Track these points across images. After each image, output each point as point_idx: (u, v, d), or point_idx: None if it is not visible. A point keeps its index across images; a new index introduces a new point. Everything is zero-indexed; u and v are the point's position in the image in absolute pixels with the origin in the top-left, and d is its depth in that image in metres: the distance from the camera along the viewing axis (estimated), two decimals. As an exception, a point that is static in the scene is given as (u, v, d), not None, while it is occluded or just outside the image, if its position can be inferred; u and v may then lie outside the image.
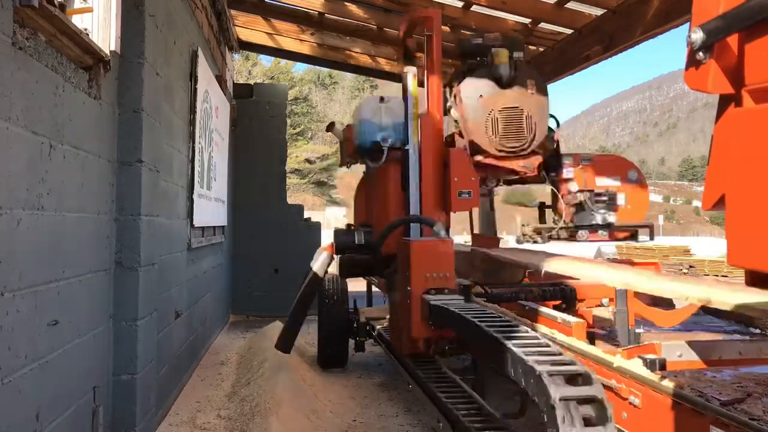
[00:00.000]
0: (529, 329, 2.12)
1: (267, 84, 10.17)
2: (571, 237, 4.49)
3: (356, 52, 8.33)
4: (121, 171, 2.89)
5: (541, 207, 4.80)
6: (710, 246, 29.23)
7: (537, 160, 4.14)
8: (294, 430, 3.29)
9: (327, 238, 12.94)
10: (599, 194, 4.41)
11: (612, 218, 4.36)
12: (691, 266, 15.85)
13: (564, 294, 4.03)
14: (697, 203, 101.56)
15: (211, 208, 5.60)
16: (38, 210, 2.03)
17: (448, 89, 4.36)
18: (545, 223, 4.62)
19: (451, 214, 3.81)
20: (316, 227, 8.49)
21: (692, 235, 57.42)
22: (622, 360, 2.19)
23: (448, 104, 4.32)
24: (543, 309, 3.57)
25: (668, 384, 1.88)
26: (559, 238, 4.48)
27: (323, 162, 57.35)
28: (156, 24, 3.18)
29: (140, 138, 2.93)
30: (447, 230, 3.62)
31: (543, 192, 4.95)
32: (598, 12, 5.87)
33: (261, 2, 6.96)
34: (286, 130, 8.92)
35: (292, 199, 9.54)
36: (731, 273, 15.91)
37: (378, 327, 4.84)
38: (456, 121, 4.29)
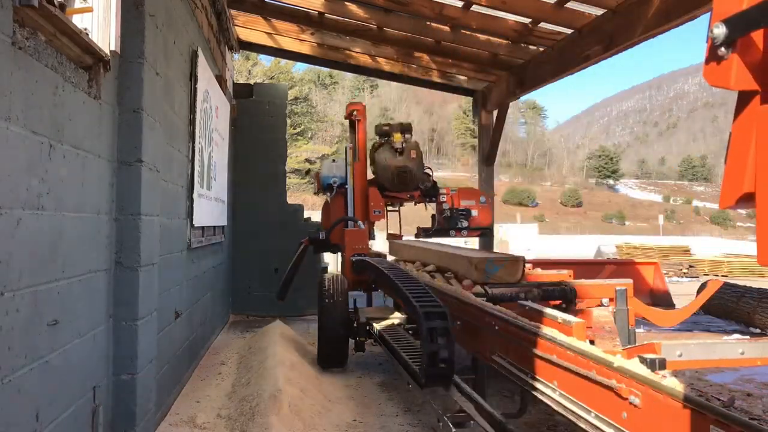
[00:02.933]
0: (414, 274, 3.22)
1: (267, 84, 10.17)
2: (444, 234, 7.23)
3: (356, 52, 8.33)
4: (121, 171, 2.89)
5: (433, 218, 7.40)
6: (710, 246, 29.25)
7: (417, 192, 6.98)
8: (294, 430, 3.28)
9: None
10: (461, 211, 7.16)
11: (465, 224, 7.15)
12: (690, 266, 15.84)
13: (564, 294, 4.03)
14: (697, 203, 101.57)
15: (211, 208, 5.60)
16: (38, 210, 2.03)
17: (372, 152, 6.92)
18: (433, 226, 7.27)
19: (375, 223, 6.76)
20: (316, 227, 8.48)
21: (692, 235, 57.41)
22: (623, 360, 2.18)
23: (371, 160, 6.92)
24: (543, 309, 3.57)
25: (668, 384, 1.88)
26: (438, 235, 7.26)
27: (323, 161, 57.34)
28: (156, 24, 3.18)
29: (140, 138, 2.93)
30: (370, 228, 6.50)
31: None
32: (598, 12, 5.87)
33: (261, 2, 6.95)
34: (286, 130, 8.92)
35: (292, 199, 9.53)
36: (731, 273, 15.91)
37: (377, 327, 4.83)
38: (374, 171, 6.93)
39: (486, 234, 7.51)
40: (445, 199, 7.20)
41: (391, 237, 7.52)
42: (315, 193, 7.48)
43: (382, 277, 4.42)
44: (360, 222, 6.23)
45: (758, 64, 0.97)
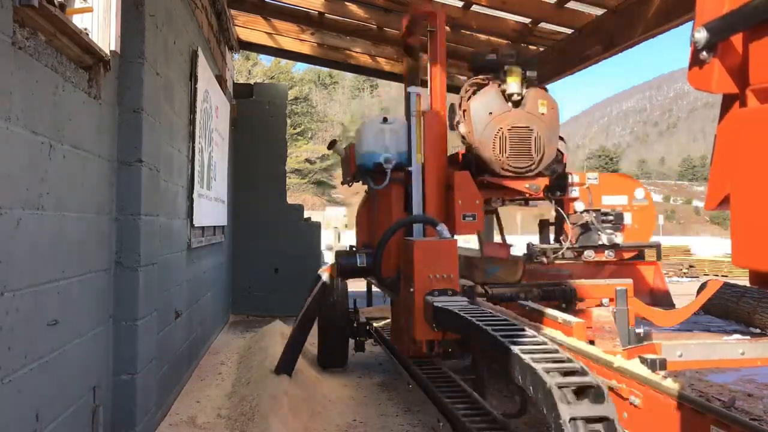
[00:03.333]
0: (536, 333, 2.03)
1: (267, 84, 10.18)
2: (577, 257, 4.43)
3: (356, 52, 8.33)
4: (121, 171, 2.88)
5: (543, 225, 4.72)
6: (710, 246, 29.26)
7: (543, 181, 4.02)
8: (294, 430, 3.28)
9: (327, 237, 12.83)
10: (605, 214, 4.40)
11: (618, 239, 4.33)
12: (691, 266, 15.85)
13: (564, 294, 4.03)
14: (697, 203, 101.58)
15: (211, 208, 5.60)
16: (38, 210, 2.02)
17: (456, 104, 4.19)
18: (547, 242, 4.55)
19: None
20: (316, 227, 8.49)
21: (692, 235, 57.45)
22: (623, 360, 2.18)
23: (456, 119, 4.16)
24: (543, 309, 3.57)
25: (669, 384, 1.88)
26: (563, 258, 4.37)
27: (323, 162, 57.37)
28: (156, 24, 3.18)
29: (140, 138, 2.93)
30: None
31: (543, 209, 4.84)
32: (598, 12, 5.87)
33: (261, 2, 6.95)
34: (286, 130, 8.92)
35: (292, 199, 9.54)
36: (731, 273, 15.92)
37: (377, 326, 4.84)
38: (463, 137, 4.11)
39: (642, 254, 4.70)
40: (576, 194, 4.40)
41: (490, 249, 4.85)
42: (345, 183, 4.66)
43: (503, 354, 2.01)
44: (443, 227, 3.37)
45: (737, 67, 0.98)
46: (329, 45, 8.09)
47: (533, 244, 4.41)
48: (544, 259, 4.29)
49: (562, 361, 1.73)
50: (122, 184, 2.88)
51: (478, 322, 2.28)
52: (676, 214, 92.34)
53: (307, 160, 56.94)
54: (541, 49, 7.09)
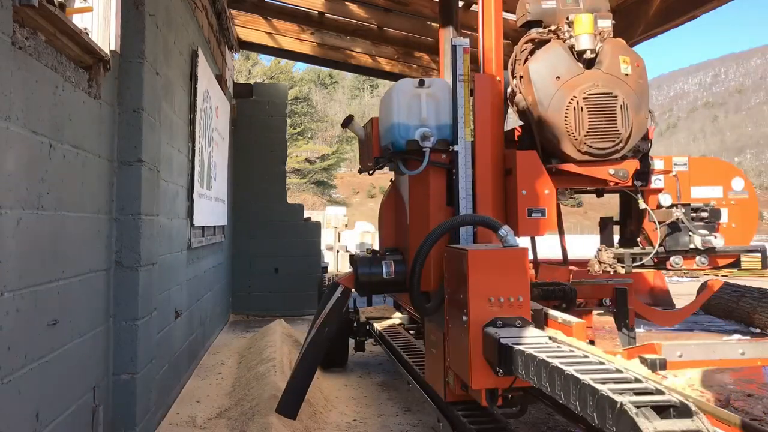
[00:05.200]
0: (658, 386, 1.61)
1: (267, 84, 10.18)
2: (660, 264, 3.67)
3: (356, 52, 8.33)
4: (121, 171, 2.88)
5: (606, 223, 3.88)
6: (710, 246, 29.21)
7: (633, 165, 3.08)
8: (294, 430, 3.28)
9: (327, 237, 12.76)
10: (697, 209, 3.61)
11: (719, 242, 3.52)
12: (691, 266, 15.84)
13: (564, 294, 4.02)
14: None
15: (211, 208, 5.60)
16: (38, 210, 2.02)
17: (509, 70, 3.32)
18: (615, 244, 3.68)
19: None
20: (316, 227, 8.49)
21: (692, 235, 57.27)
22: (623, 360, 2.18)
23: (510, 89, 3.28)
24: (542, 309, 3.56)
25: (669, 384, 1.87)
26: (643, 266, 3.60)
27: (323, 162, 57.35)
28: (156, 23, 3.18)
29: (140, 138, 2.93)
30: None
31: (608, 202, 3.92)
32: (598, 12, 5.86)
33: (261, 2, 6.96)
34: (286, 129, 8.92)
35: (292, 199, 9.54)
36: (731, 273, 15.90)
37: (380, 329, 4.83)
38: (522, 111, 3.20)
39: (739, 261, 4.02)
40: (662, 185, 3.59)
41: (545, 270, 3.84)
42: (363, 171, 3.77)
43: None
44: (508, 231, 2.58)
45: None
46: (329, 45, 8.09)
47: (605, 248, 3.63)
48: (619, 267, 3.54)
49: None
50: (122, 184, 2.88)
51: (574, 374, 1.73)
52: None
53: (307, 160, 56.94)
54: (541, 49, 7.07)
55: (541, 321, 2.75)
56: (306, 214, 8.64)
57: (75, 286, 2.36)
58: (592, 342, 3.25)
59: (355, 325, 4.97)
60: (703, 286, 6.70)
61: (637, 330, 3.80)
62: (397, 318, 4.93)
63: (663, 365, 2.09)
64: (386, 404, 4.12)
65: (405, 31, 7.25)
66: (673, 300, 8.40)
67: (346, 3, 6.67)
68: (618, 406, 1.47)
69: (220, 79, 6.28)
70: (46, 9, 1.93)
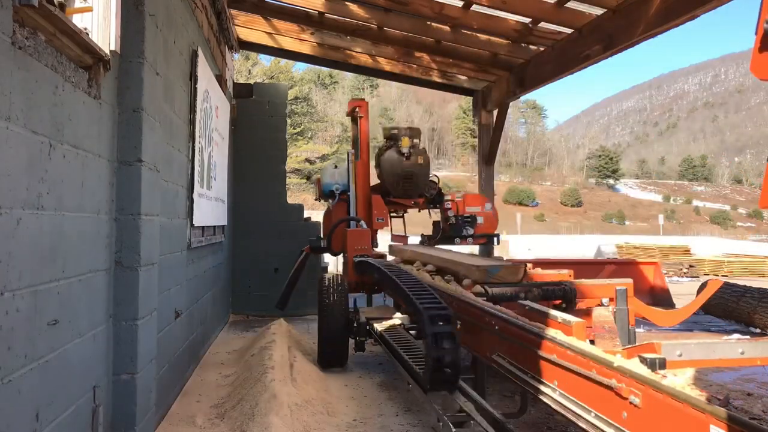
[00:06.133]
0: (415, 275, 3.60)
1: (267, 84, 10.16)
2: (449, 241, 7.14)
3: (356, 52, 8.33)
4: (121, 171, 2.88)
5: (434, 224, 7.44)
6: (710, 246, 29.25)
7: (421, 199, 7.10)
8: (294, 430, 3.28)
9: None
10: (467, 217, 7.11)
11: (471, 231, 7.09)
12: (691, 266, 15.84)
13: (564, 294, 4.03)
14: (696, 203, 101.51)
15: (211, 208, 5.60)
16: (38, 209, 2.02)
17: (378, 155, 6.95)
18: (437, 234, 7.27)
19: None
20: (316, 227, 8.49)
21: (692, 235, 57.42)
22: (623, 360, 2.18)
23: (376, 163, 6.85)
24: (543, 309, 3.56)
25: (668, 383, 1.88)
26: (442, 243, 7.14)
27: (323, 162, 57.35)
28: (156, 23, 3.18)
29: (140, 137, 2.93)
30: (373, 235, 6.49)
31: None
32: (598, 11, 5.87)
33: (261, 2, 6.95)
34: (286, 129, 8.92)
35: (292, 199, 9.54)
36: (731, 273, 15.91)
37: (380, 329, 4.82)
38: (379, 175, 6.95)
39: (491, 241, 7.49)
40: (450, 206, 7.10)
41: (395, 239, 7.38)
42: (316, 200, 7.53)
43: (385, 278, 4.37)
44: (362, 222, 6.13)
45: None
46: (329, 45, 8.09)
47: (423, 235, 7.43)
48: (426, 242, 7.27)
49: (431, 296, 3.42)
50: (122, 184, 2.88)
51: (379, 267, 4.70)
52: (676, 213, 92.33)
53: (307, 160, 56.92)
54: (542, 48, 7.09)
55: (382, 256, 5.81)
56: (306, 214, 8.64)
57: (75, 286, 2.36)
58: (592, 342, 3.25)
59: (355, 325, 4.98)
60: (703, 286, 6.71)
61: (637, 330, 3.81)
62: (397, 318, 4.93)
63: (663, 364, 2.09)
64: (386, 404, 4.12)
65: (405, 31, 7.25)
66: (673, 300, 8.41)
67: (346, 3, 6.67)
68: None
69: (220, 79, 6.28)
70: (46, 9, 1.93)
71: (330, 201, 6.80)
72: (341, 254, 6.30)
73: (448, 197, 7.18)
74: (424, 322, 3.07)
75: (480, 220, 7.13)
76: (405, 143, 6.63)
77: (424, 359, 3.27)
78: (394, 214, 7.24)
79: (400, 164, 6.64)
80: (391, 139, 6.76)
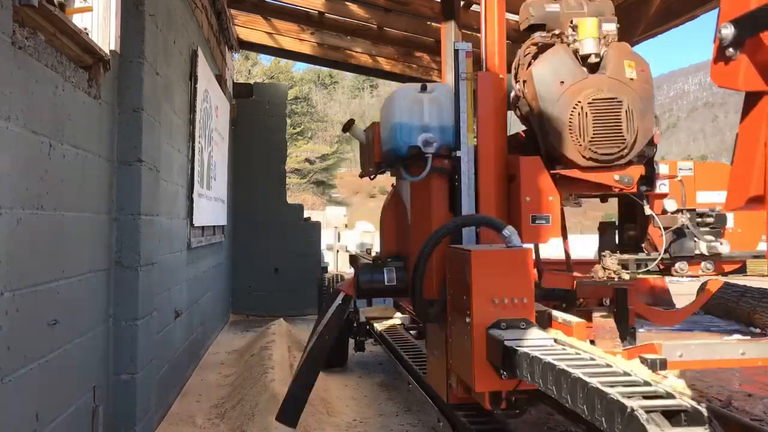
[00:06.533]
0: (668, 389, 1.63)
1: (267, 84, 10.17)
2: (665, 270, 3.60)
3: (357, 52, 8.33)
4: (121, 170, 2.88)
5: (605, 228, 3.78)
6: (710, 246, 29.19)
7: (638, 171, 3.05)
8: (294, 430, 3.28)
9: (327, 237, 12.73)
10: (702, 214, 3.58)
11: (724, 248, 3.45)
12: (691, 266, 15.83)
13: (564, 294, 4.02)
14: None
15: (211, 208, 5.60)
16: (38, 209, 2.02)
17: (512, 74, 3.26)
18: (620, 250, 3.56)
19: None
20: (316, 227, 8.49)
21: (692, 235, 57.24)
22: (623, 360, 2.18)
23: (513, 94, 3.21)
24: (543, 308, 3.55)
25: (669, 384, 1.87)
26: (648, 272, 3.56)
27: (323, 162, 57.38)
28: (156, 23, 3.18)
29: (140, 137, 2.92)
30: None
31: (608, 202, 3.74)
32: (598, 11, 5.85)
33: (261, 2, 6.95)
34: (286, 129, 8.93)
35: (292, 199, 9.54)
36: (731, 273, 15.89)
37: (380, 329, 4.82)
38: (525, 116, 3.17)
39: (745, 267, 3.90)
40: (667, 190, 3.54)
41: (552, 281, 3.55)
42: (365, 175, 3.74)
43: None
44: (512, 231, 2.57)
45: (766, 64, 0.96)
46: (329, 45, 8.09)
47: (609, 254, 3.45)
48: (623, 274, 3.41)
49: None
50: (122, 184, 2.87)
51: (584, 378, 1.68)
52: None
53: (307, 160, 56.93)
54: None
55: (545, 323, 2.71)
56: (306, 214, 8.64)
57: (75, 286, 2.36)
58: (592, 342, 3.25)
59: (355, 325, 4.97)
60: (703, 286, 6.69)
61: (637, 330, 3.79)
62: (397, 318, 4.93)
63: (663, 365, 2.08)
64: (386, 404, 4.12)
65: (405, 31, 7.25)
66: (673, 300, 8.40)
67: (346, 3, 6.67)
68: (628, 411, 1.43)
69: (220, 79, 6.28)
70: (46, 9, 1.93)
71: (404, 173, 3.14)
72: (439, 312, 2.81)
73: (664, 170, 3.55)
74: None
75: (730, 221, 3.60)
76: (591, 31, 3.00)
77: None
78: (566, 204, 3.46)
79: (588, 83, 2.96)
80: (549, 27, 3.16)
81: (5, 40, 1.77)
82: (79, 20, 2.51)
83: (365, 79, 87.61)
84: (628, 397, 1.50)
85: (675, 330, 6.41)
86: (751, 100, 1.01)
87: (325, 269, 8.43)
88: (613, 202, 3.88)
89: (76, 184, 2.36)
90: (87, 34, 2.38)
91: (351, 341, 5.04)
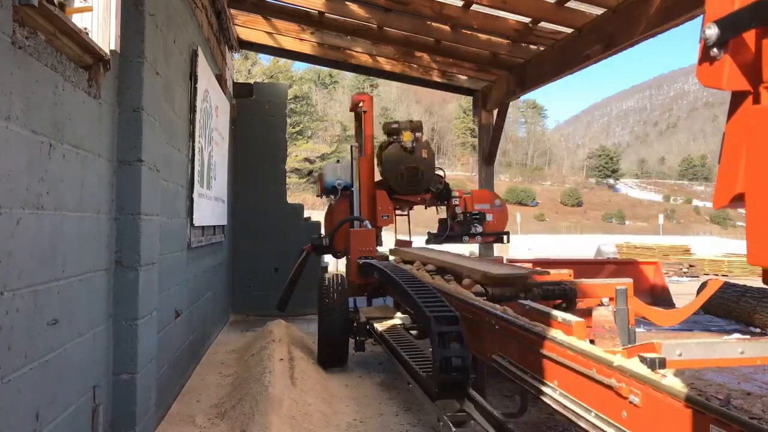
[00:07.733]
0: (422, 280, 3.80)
1: (267, 83, 10.14)
2: (456, 240, 6.97)
3: (356, 52, 8.33)
4: (121, 170, 2.88)
5: (441, 221, 7.18)
6: (710, 245, 29.25)
7: (428, 195, 6.77)
8: (294, 430, 3.28)
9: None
10: (474, 214, 6.91)
11: (480, 229, 6.88)
12: (691, 265, 15.84)
13: (564, 293, 4.03)
14: (697, 203, 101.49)
15: (211, 208, 5.60)
16: (38, 209, 2.02)
17: (380, 151, 6.67)
18: (444, 232, 7.05)
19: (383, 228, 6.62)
20: (316, 227, 8.49)
21: (692, 235, 57.43)
22: (622, 359, 2.18)
23: (378, 161, 6.65)
24: (543, 308, 3.56)
25: (668, 383, 1.87)
26: (450, 241, 6.99)
27: (323, 161, 57.36)
28: (156, 23, 3.18)
29: (140, 137, 2.93)
30: (377, 233, 6.23)
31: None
32: (598, 11, 5.86)
33: (261, 1, 6.95)
34: (286, 129, 8.92)
35: (292, 198, 9.54)
36: (731, 272, 15.92)
37: (380, 329, 4.82)
38: (381, 173, 6.71)
39: (500, 239, 7.20)
40: (457, 203, 6.86)
41: (399, 244, 7.04)
42: (318, 196, 7.50)
43: (390, 280, 4.19)
44: (366, 221, 5.88)
45: (750, 64, 0.97)
46: (329, 44, 8.09)
47: (430, 233, 7.15)
48: (434, 241, 7.05)
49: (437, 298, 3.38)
50: (122, 184, 2.88)
51: (384, 269, 4.52)
52: (676, 213, 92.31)
53: (307, 160, 56.91)
54: (542, 48, 7.08)
55: (386, 257, 5.82)
56: (306, 214, 8.64)
57: (75, 286, 2.36)
58: (592, 342, 3.25)
59: (355, 324, 4.98)
60: (703, 286, 6.71)
61: (637, 330, 3.80)
62: (397, 318, 4.93)
63: (662, 364, 2.09)
64: (386, 404, 4.12)
65: (405, 31, 7.25)
66: (673, 300, 8.41)
67: (346, 3, 6.67)
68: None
69: (220, 79, 6.28)
70: (46, 9, 1.93)
71: (332, 197, 6.65)
72: (344, 256, 6.11)
73: (456, 193, 6.94)
74: (430, 324, 2.97)
75: (489, 217, 6.90)
76: (407, 137, 6.38)
77: (428, 362, 3.20)
78: (399, 212, 6.91)
79: (403, 159, 6.35)
80: (392, 134, 6.55)
81: (5, 40, 1.78)
82: (79, 20, 2.51)
83: (365, 79, 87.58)
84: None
85: (675, 330, 6.41)
86: (736, 100, 1.01)
87: (325, 269, 8.44)
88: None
89: (76, 184, 2.36)
90: (87, 33, 2.38)
91: (351, 341, 5.04)
